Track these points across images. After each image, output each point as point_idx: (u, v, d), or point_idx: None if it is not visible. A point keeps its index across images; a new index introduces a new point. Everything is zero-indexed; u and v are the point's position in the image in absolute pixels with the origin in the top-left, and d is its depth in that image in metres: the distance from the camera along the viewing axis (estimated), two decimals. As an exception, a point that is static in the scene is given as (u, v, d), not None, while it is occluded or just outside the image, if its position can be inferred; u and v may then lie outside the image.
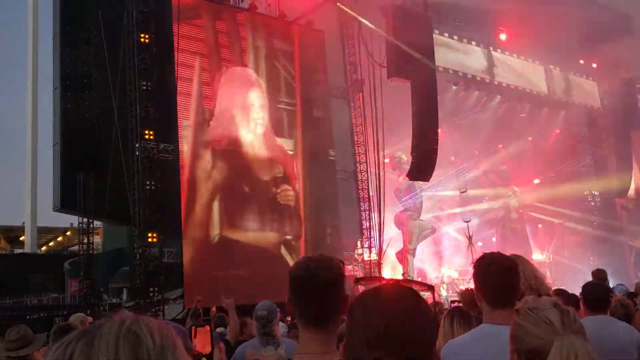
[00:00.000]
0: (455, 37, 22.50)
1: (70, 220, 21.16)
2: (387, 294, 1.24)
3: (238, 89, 17.00)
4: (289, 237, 17.03)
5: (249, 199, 16.51)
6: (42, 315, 16.62)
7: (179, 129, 15.70)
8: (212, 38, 16.99)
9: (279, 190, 17.09)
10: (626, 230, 27.61)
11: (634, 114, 28.63)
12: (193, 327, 1.94)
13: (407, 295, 1.22)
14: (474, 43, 23.24)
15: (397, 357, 1.13)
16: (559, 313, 1.48)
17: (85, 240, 17.74)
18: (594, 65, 27.33)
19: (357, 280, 1.61)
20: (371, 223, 18.96)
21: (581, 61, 26.84)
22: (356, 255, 18.85)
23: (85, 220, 17.83)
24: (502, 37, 23.66)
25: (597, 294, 3.96)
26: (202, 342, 1.89)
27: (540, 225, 26.36)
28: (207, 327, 1.94)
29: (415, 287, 1.28)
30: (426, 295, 1.37)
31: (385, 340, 1.14)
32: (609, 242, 26.91)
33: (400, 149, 20.58)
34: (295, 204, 17.37)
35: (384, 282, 1.35)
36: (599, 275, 7.09)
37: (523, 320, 1.52)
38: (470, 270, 2.49)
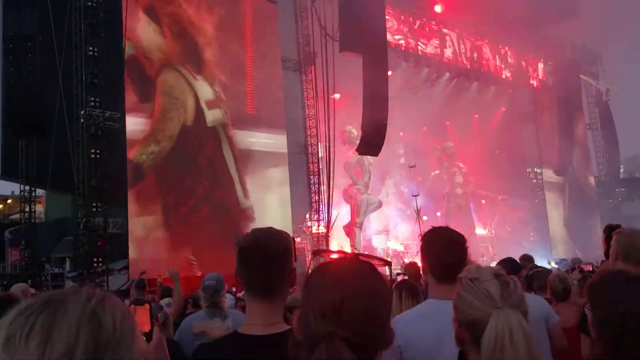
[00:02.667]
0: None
1: (11, 188, 20.50)
2: (345, 268, 1.22)
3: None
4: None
5: (195, 170, 16.33)
6: (-20, 284, 16.11)
7: (126, 97, 15.34)
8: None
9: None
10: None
11: (578, 95, 29.62)
12: (132, 307, 1.94)
13: (365, 270, 1.21)
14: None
15: (352, 331, 1.11)
16: (499, 285, 1.48)
17: (27, 209, 17.25)
18: (540, 44, 27.87)
19: (315, 252, 1.56)
20: (320, 196, 19.08)
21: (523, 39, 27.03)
22: (304, 228, 18.96)
23: (27, 188, 17.33)
24: (437, 8, 23.71)
25: (506, 269, 4.08)
26: (141, 320, 1.90)
27: (483, 201, 26.96)
28: (147, 305, 1.96)
29: (373, 262, 1.26)
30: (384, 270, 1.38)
31: (341, 313, 1.13)
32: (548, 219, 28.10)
33: (350, 123, 20.67)
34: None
35: (342, 255, 1.33)
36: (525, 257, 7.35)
37: (464, 291, 1.53)
38: (416, 243, 2.52)
